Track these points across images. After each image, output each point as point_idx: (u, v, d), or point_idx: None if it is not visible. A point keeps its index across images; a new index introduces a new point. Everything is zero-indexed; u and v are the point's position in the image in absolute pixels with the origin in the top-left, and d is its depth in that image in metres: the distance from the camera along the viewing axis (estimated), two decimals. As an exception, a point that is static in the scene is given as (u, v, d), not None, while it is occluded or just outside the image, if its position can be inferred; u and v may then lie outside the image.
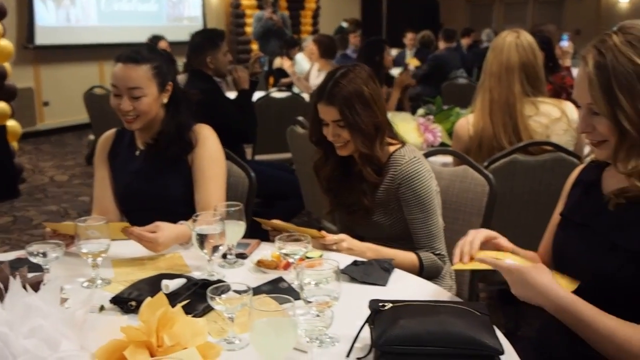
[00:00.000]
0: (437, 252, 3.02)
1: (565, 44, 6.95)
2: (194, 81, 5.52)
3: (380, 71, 6.95)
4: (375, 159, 2.97)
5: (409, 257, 2.97)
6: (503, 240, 2.38)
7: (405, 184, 2.94)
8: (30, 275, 2.08)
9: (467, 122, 3.94)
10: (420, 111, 5.52)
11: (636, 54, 1.99)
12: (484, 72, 3.92)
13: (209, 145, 3.26)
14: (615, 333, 1.96)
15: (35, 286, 1.80)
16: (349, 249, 2.85)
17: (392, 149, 3.03)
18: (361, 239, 3.01)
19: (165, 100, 3.25)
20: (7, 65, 8.22)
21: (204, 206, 3.09)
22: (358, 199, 3.03)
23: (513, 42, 3.81)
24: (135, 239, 2.77)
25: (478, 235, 2.34)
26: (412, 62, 11.70)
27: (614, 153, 2.08)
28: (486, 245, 2.34)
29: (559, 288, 2.04)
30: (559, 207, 2.44)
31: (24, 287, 1.75)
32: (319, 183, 3.23)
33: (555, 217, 2.45)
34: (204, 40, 5.67)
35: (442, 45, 11.88)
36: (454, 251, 2.33)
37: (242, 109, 5.60)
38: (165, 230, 2.80)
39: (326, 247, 2.85)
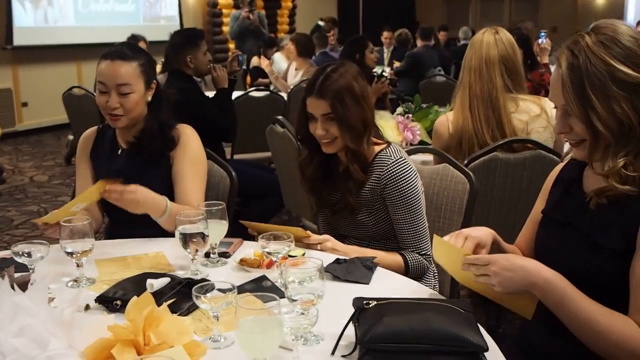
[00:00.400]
0: (423, 252, 3.03)
1: (543, 40, 6.97)
2: (174, 80, 5.50)
3: (361, 69, 6.96)
4: (362, 156, 2.98)
5: (394, 258, 2.99)
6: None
7: (391, 185, 2.95)
8: (16, 275, 2.08)
9: (446, 119, 3.95)
10: (399, 109, 5.53)
11: (609, 54, 2.00)
12: (463, 68, 3.92)
13: (190, 146, 3.27)
14: (598, 318, 1.98)
15: (23, 286, 1.81)
16: (333, 249, 2.86)
17: (377, 148, 3.03)
18: (344, 238, 3.02)
19: (149, 98, 3.26)
20: (-15, 66, 8.22)
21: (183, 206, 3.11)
22: (343, 197, 3.04)
23: (492, 37, 3.83)
24: (116, 195, 2.83)
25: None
26: (396, 63, 11.72)
27: (590, 154, 2.10)
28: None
29: (545, 267, 2.05)
30: (539, 203, 2.45)
31: (12, 287, 1.76)
32: (304, 183, 3.22)
33: (535, 213, 2.46)
34: (184, 39, 5.67)
35: (419, 43, 11.90)
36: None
37: (222, 108, 5.61)
38: (142, 189, 2.90)
39: (310, 247, 2.87)
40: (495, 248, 2.35)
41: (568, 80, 2.05)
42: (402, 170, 2.95)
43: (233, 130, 5.71)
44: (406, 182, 2.95)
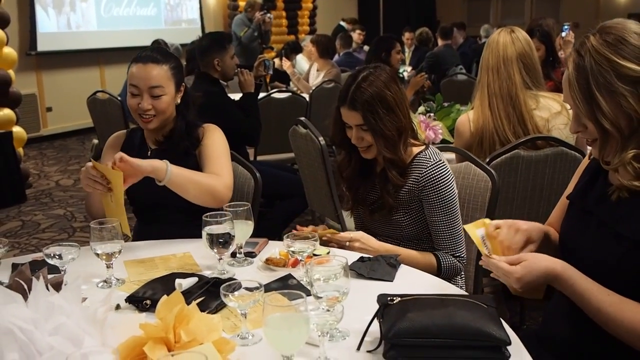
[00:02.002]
0: (458, 254, 3.05)
1: (567, 33, 6.93)
2: (200, 83, 5.56)
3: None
4: (399, 161, 2.99)
5: (427, 258, 3.02)
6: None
7: (429, 187, 2.97)
8: (49, 276, 2.12)
9: (467, 118, 3.97)
10: (421, 109, 5.54)
11: (613, 52, 2.02)
12: (481, 69, 3.94)
13: (215, 136, 3.34)
14: (607, 307, 2.03)
15: (57, 286, 1.85)
16: (360, 249, 2.90)
17: (415, 150, 3.05)
18: (375, 236, 3.05)
19: (178, 100, 3.32)
20: (11, 72, 8.29)
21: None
22: (381, 197, 3.06)
23: (508, 36, 3.85)
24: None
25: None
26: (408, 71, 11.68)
27: (600, 152, 2.12)
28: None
29: (555, 263, 2.10)
30: (570, 186, 2.47)
31: (47, 287, 1.80)
32: (341, 182, 3.26)
33: (565, 197, 2.48)
34: (212, 42, 5.69)
35: (440, 42, 11.89)
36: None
37: (247, 112, 5.64)
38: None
39: (340, 245, 2.91)
40: (545, 245, 2.37)
41: (574, 81, 2.08)
42: (440, 173, 2.97)
43: (257, 134, 5.72)
44: (444, 184, 2.97)
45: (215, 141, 3.31)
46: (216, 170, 3.19)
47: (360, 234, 2.98)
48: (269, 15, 12.62)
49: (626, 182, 2.06)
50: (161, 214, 3.25)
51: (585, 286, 2.07)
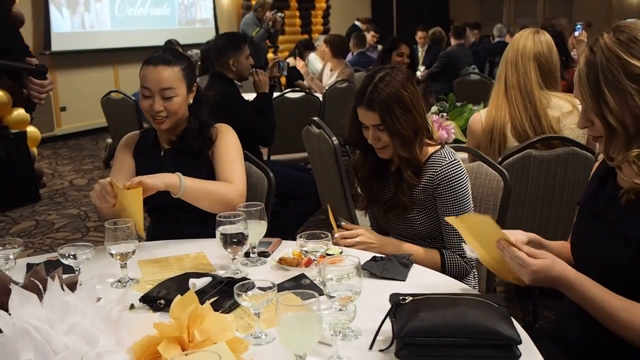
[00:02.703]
0: (465, 255, 3.05)
1: (580, 32, 6.93)
2: (215, 83, 5.61)
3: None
4: (415, 161, 3.00)
5: (431, 255, 3.04)
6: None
7: (443, 185, 2.98)
8: (64, 276, 2.14)
9: (480, 116, 4.00)
10: (434, 108, 5.54)
11: (623, 50, 2.04)
12: (501, 63, 4.00)
13: (228, 137, 3.36)
14: (619, 313, 2.04)
15: (72, 286, 1.87)
16: (365, 242, 2.94)
17: (431, 149, 3.07)
18: (387, 234, 3.07)
19: (191, 100, 3.34)
20: (25, 72, 8.32)
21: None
22: (395, 196, 3.08)
23: (531, 35, 3.90)
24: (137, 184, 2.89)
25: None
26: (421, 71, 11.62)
27: (605, 147, 2.14)
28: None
29: (567, 270, 2.12)
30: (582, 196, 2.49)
31: (62, 287, 1.82)
32: (357, 181, 3.27)
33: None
34: (228, 43, 5.73)
35: (453, 42, 11.88)
36: None
37: (262, 112, 5.67)
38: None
39: (346, 244, 2.93)
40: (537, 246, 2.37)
41: (584, 76, 2.10)
42: (455, 172, 2.99)
43: (271, 134, 5.76)
44: (458, 183, 2.99)
45: (228, 143, 3.33)
46: (229, 176, 3.22)
47: (363, 229, 3.01)
48: (280, 14, 12.60)
49: (629, 179, 2.07)
50: (175, 214, 3.27)
51: (596, 292, 2.08)
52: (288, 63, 8.66)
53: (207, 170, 3.29)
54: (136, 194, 2.85)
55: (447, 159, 3.01)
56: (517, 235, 2.32)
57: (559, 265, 2.12)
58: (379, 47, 13.84)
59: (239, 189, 3.16)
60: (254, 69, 5.81)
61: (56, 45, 12.50)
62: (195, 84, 3.39)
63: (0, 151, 3.35)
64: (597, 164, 2.43)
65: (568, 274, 2.11)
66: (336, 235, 2.96)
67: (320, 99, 7.67)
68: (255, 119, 5.58)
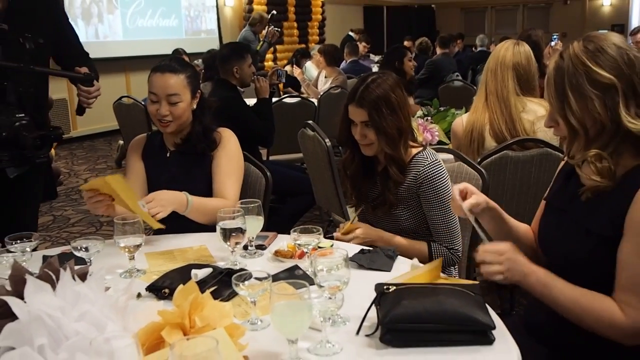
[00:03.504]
0: (451, 246, 3.09)
1: (555, 42, 6.99)
2: (219, 89, 5.64)
3: (401, 75, 6.95)
4: (399, 159, 3.03)
5: (418, 247, 3.08)
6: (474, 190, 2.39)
7: (426, 184, 3.02)
8: (76, 267, 2.15)
9: (462, 120, 4.04)
10: (419, 112, 5.56)
11: (589, 58, 2.05)
12: (484, 71, 4.04)
13: (229, 145, 3.36)
14: (579, 300, 2.07)
15: (83, 276, 1.87)
16: (364, 233, 3.00)
17: (414, 151, 3.10)
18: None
19: (194, 106, 3.35)
20: (44, 79, 8.31)
21: (219, 197, 3.23)
22: (382, 194, 3.10)
23: (511, 46, 3.94)
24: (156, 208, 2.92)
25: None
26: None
27: (567, 147, 2.18)
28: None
29: (528, 265, 2.14)
30: (548, 192, 2.51)
31: (73, 278, 1.82)
32: (346, 179, 3.29)
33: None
34: (232, 52, 5.76)
35: (438, 50, 11.89)
36: None
37: (262, 116, 5.68)
38: (160, 192, 3.00)
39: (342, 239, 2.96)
40: (494, 216, 2.42)
41: (552, 79, 2.13)
42: (436, 171, 3.02)
43: (271, 136, 5.76)
44: (440, 181, 3.02)
45: (229, 153, 3.35)
46: (224, 190, 3.25)
47: (363, 226, 3.06)
48: (277, 29, 12.60)
49: (587, 177, 2.09)
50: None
51: (555, 283, 2.11)
52: (286, 71, 8.66)
53: (209, 170, 3.31)
54: (115, 180, 2.82)
55: (428, 160, 3.04)
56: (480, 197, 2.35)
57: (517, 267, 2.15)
58: (371, 56, 13.86)
59: (231, 205, 3.12)
60: (255, 76, 5.82)
61: (72, 54, 12.38)
62: (199, 90, 3.39)
63: (46, 151, 3.35)
64: (562, 162, 2.45)
65: (529, 271, 2.14)
66: (336, 234, 3.02)
67: (316, 104, 7.68)
68: (256, 122, 5.60)
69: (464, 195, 2.35)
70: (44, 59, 3.52)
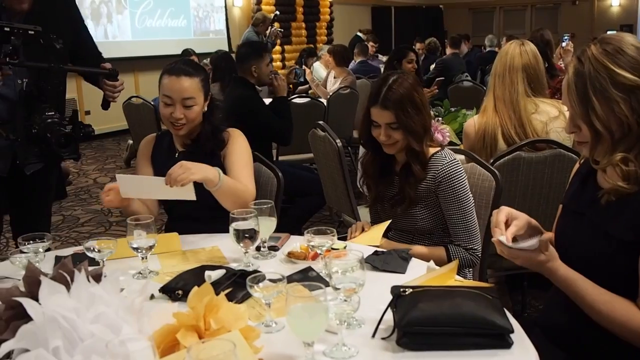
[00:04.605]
0: (470, 246, 3.07)
1: (566, 43, 6.96)
2: (237, 87, 5.70)
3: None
4: (423, 156, 3.04)
5: (437, 252, 3.07)
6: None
7: (445, 183, 3.02)
8: (90, 268, 2.13)
9: (473, 122, 4.03)
10: (430, 113, 5.54)
11: (610, 60, 2.03)
12: (491, 75, 4.02)
13: (238, 142, 3.37)
14: (599, 305, 2.06)
15: (97, 278, 1.86)
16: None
17: (432, 150, 3.10)
18: (388, 230, 3.08)
19: (206, 108, 3.34)
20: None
21: None
22: (401, 191, 3.10)
23: (517, 48, 3.91)
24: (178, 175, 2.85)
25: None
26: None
27: (591, 151, 2.14)
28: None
29: (560, 266, 2.11)
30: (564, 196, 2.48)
31: (88, 279, 1.81)
32: (364, 179, 3.29)
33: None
34: (250, 50, 5.81)
35: (448, 51, 11.90)
36: None
37: (280, 114, 5.69)
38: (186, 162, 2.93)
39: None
40: (532, 232, 2.33)
41: (573, 85, 2.10)
42: (454, 171, 3.02)
43: (289, 134, 5.77)
44: (458, 181, 3.02)
45: (240, 148, 3.34)
46: (242, 180, 3.22)
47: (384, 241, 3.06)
48: (280, 30, 12.61)
49: (612, 183, 2.06)
50: (190, 211, 3.26)
51: (580, 285, 2.09)
52: (304, 70, 8.66)
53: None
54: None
55: (447, 159, 3.05)
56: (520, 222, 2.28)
57: (552, 261, 2.11)
58: (380, 56, 13.85)
59: (253, 192, 3.18)
60: (273, 74, 5.83)
61: (81, 54, 12.43)
62: (210, 92, 3.39)
63: (72, 149, 3.43)
64: (577, 164, 2.43)
65: (558, 269, 2.11)
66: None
67: (325, 104, 7.68)
68: (274, 120, 5.61)
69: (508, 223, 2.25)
70: (64, 59, 3.56)
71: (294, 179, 5.33)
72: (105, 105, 3.60)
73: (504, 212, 2.24)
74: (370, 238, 3.05)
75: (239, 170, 3.27)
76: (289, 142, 5.99)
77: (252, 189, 3.21)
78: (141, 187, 3.03)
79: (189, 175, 2.86)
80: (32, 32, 3.19)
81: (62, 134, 3.19)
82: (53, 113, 3.25)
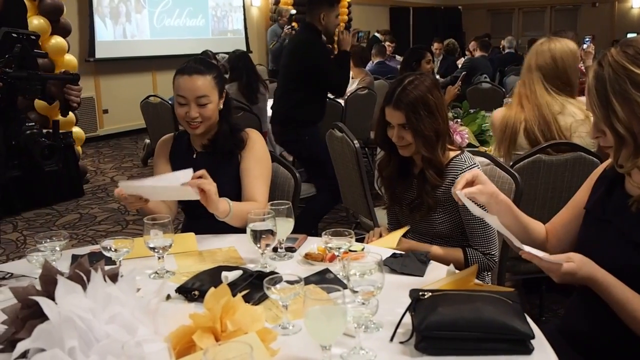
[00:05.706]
0: (488, 251, 3.04)
1: (588, 44, 6.94)
2: (304, 32, 6.02)
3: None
4: (436, 162, 3.00)
5: (451, 252, 3.05)
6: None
7: None
8: (106, 268, 2.13)
9: (501, 112, 4.04)
10: (449, 115, 5.52)
11: (629, 61, 2.01)
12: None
13: (257, 147, 3.34)
14: (634, 306, 2.01)
15: (113, 278, 1.85)
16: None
17: (452, 154, 3.07)
18: (405, 233, 3.06)
19: (221, 106, 3.33)
20: (71, 77, 8.36)
21: (250, 201, 3.19)
22: (419, 196, 3.07)
23: (537, 47, 3.93)
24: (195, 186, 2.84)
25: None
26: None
27: (615, 155, 2.11)
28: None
29: (595, 269, 2.08)
30: (580, 193, 2.45)
31: (104, 279, 1.81)
32: (381, 181, 3.27)
33: (575, 200, 2.46)
34: None
35: (477, 53, 11.93)
36: None
37: (340, 66, 5.93)
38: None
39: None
40: (505, 210, 2.38)
41: (593, 88, 2.08)
42: None
43: (345, 87, 6.13)
44: None
45: (256, 155, 3.32)
46: (254, 192, 3.23)
47: (403, 241, 3.06)
48: (293, 28, 12.63)
49: (639, 186, 2.03)
50: (207, 211, 3.24)
51: (620, 294, 2.05)
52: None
53: (235, 170, 3.30)
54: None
55: (467, 163, 3.01)
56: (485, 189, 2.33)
57: (586, 267, 2.07)
58: (397, 57, 13.82)
59: (262, 207, 3.12)
60: (338, 30, 6.11)
61: (100, 53, 12.57)
62: (225, 90, 3.37)
63: (59, 163, 3.32)
64: (598, 169, 2.40)
65: (595, 274, 2.07)
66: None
67: (343, 104, 7.67)
68: (333, 70, 5.84)
69: (471, 184, 2.33)
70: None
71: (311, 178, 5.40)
72: (65, 112, 3.45)
73: (472, 172, 2.33)
74: (386, 241, 3.03)
75: (253, 180, 3.26)
76: (342, 94, 6.36)
77: (263, 202, 3.18)
78: (144, 191, 3.00)
79: (213, 188, 2.87)
80: (34, 38, 3.13)
81: (46, 145, 3.09)
82: (33, 124, 3.15)
